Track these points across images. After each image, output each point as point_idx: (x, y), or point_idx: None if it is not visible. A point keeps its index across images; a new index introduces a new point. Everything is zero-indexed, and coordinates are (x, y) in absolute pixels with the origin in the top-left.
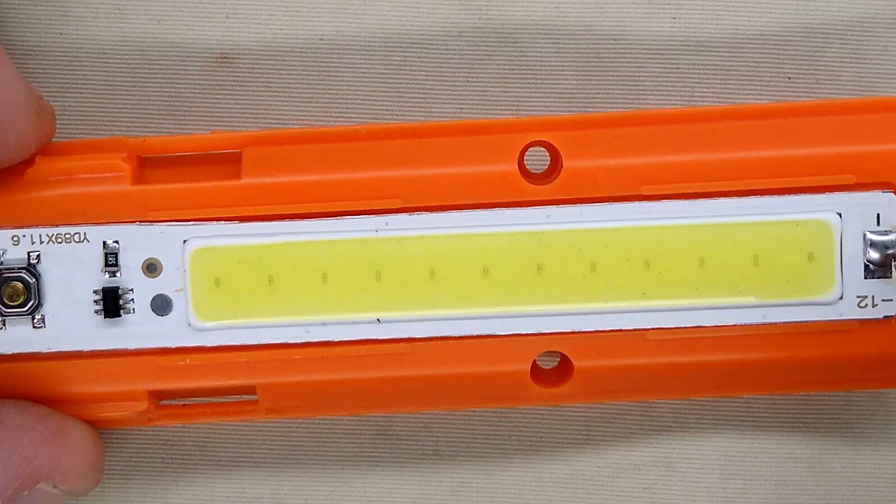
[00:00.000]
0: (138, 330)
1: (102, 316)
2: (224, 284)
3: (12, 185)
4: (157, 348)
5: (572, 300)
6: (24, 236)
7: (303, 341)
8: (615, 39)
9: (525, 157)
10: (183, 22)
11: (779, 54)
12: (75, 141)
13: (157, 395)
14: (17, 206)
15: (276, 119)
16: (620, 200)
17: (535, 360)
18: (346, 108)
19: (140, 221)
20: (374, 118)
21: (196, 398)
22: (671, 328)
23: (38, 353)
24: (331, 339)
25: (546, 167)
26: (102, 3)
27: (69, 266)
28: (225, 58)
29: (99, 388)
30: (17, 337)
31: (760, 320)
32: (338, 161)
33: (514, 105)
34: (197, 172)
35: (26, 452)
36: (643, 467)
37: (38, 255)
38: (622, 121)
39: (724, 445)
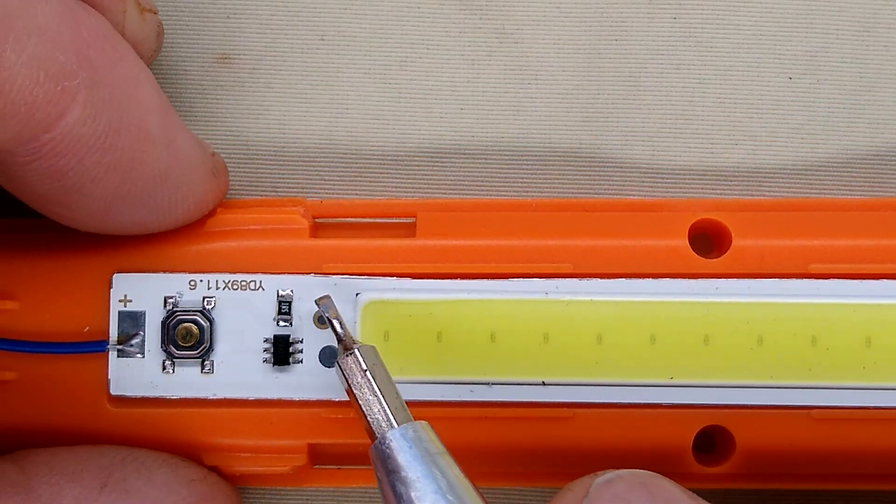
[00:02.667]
0: (305, 381)
1: (271, 364)
2: (393, 338)
3: (192, 234)
4: (321, 400)
5: (738, 373)
6: (200, 281)
7: (467, 400)
8: (615, 39)
9: (694, 237)
10: (183, 22)
11: (779, 54)
12: (253, 199)
13: (316, 451)
14: (196, 253)
15: (276, 119)
16: (788, 277)
17: (695, 440)
18: (347, 108)
19: (315, 273)
20: (375, 118)
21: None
22: (836, 407)
23: (205, 400)
24: (495, 399)
25: (714, 245)
26: None
27: (242, 313)
28: (225, 58)
29: (261, 438)
30: (185, 381)
31: None
32: (510, 227)
33: (514, 105)
34: (373, 229)
35: None
36: None
37: (213, 301)
38: (789, 206)
39: None
